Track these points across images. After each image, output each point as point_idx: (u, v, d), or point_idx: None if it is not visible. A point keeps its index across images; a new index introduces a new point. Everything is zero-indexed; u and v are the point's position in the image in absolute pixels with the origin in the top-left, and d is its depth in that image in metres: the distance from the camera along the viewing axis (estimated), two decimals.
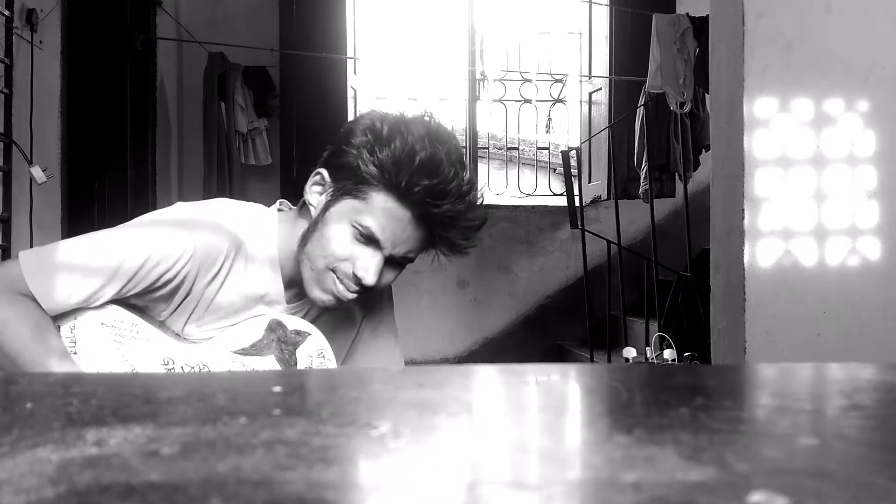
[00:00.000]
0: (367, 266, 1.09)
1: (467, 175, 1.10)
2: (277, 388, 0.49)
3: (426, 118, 1.13)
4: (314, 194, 1.15)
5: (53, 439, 0.35)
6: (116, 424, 0.38)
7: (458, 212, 1.09)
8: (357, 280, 1.10)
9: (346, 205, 1.10)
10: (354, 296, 1.13)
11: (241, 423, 0.38)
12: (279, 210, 1.23)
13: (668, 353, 1.32)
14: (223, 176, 4.39)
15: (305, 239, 1.14)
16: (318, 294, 1.13)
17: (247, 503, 0.27)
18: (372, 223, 1.08)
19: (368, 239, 1.09)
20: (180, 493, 0.28)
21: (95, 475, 0.30)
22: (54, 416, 0.42)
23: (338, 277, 1.11)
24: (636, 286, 4.45)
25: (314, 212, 1.14)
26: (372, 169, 1.08)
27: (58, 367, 1.03)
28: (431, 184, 1.06)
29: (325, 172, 1.14)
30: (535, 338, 5.16)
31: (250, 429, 0.37)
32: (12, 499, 0.27)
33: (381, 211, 1.08)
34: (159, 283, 1.11)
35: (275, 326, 1.17)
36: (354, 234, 1.10)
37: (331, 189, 1.13)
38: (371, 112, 1.15)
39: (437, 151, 1.07)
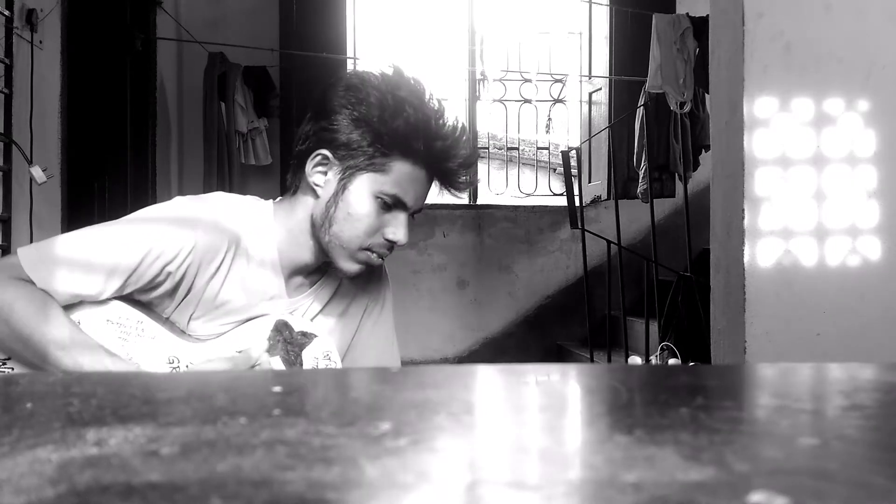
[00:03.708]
0: (397, 229, 1.15)
1: (459, 121, 1.17)
2: (277, 388, 0.49)
3: (398, 71, 1.16)
4: (318, 175, 1.17)
5: (53, 439, 0.35)
6: (116, 424, 0.38)
7: (465, 157, 1.17)
8: (390, 244, 1.17)
9: (364, 180, 1.14)
10: (383, 260, 1.21)
11: (241, 423, 0.38)
12: (275, 202, 1.24)
13: (673, 363, 1.31)
14: (223, 176, 4.39)
15: (327, 221, 1.15)
16: (348, 266, 1.18)
17: (247, 503, 0.27)
18: (397, 190, 1.14)
19: (393, 204, 1.14)
20: (180, 493, 0.28)
21: (95, 475, 0.30)
22: (54, 416, 0.42)
23: (371, 250, 1.16)
24: (636, 286, 4.45)
25: (321, 191, 1.16)
26: (387, 140, 1.12)
27: (69, 351, 1.03)
28: (445, 143, 1.14)
29: (327, 153, 1.15)
30: (535, 338, 5.15)
31: (250, 429, 0.37)
32: (12, 499, 0.27)
33: (401, 176, 1.14)
34: (160, 279, 1.11)
35: (281, 327, 1.17)
36: (380, 204, 1.14)
37: (339, 168, 1.15)
38: (352, 82, 1.15)
39: (438, 109, 1.14)
